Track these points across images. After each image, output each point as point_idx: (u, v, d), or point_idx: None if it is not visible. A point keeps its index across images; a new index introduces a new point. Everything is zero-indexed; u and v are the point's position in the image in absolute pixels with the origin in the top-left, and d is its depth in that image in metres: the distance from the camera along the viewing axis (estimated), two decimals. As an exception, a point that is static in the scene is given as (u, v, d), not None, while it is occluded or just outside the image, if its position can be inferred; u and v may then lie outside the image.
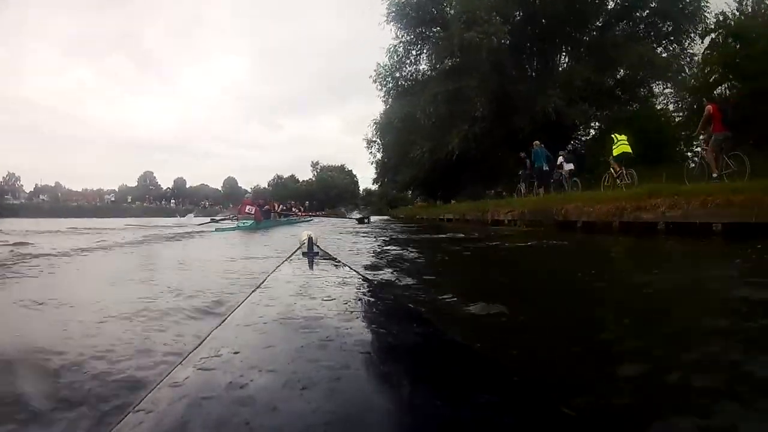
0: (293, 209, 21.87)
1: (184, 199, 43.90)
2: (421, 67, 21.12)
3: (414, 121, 18.59)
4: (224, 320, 0.68)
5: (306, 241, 1.82)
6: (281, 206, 18.71)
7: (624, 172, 9.40)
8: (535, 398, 0.44)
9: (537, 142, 12.26)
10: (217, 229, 9.10)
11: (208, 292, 1.99)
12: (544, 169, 12.11)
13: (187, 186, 65.73)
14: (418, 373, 0.48)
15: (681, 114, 16.59)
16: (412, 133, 19.70)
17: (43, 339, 1.25)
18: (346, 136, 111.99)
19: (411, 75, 21.51)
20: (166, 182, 65.87)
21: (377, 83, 21.73)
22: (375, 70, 21.44)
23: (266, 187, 65.67)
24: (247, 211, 10.65)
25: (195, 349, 0.53)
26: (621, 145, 9.59)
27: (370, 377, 0.44)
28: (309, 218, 21.13)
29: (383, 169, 32.39)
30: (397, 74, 21.53)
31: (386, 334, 0.65)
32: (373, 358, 0.50)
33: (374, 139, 32.04)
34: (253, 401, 0.37)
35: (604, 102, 17.45)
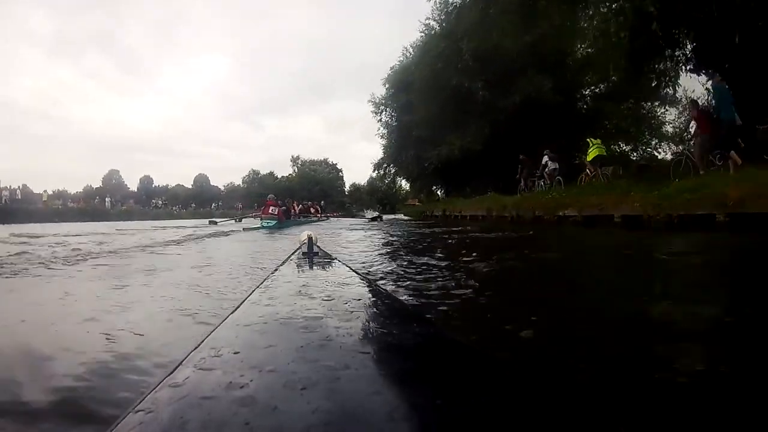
0: (310, 209, 22.78)
1: (124, 199, 41.46)
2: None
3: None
4: (224, 320, 0.68)
5: (306, 241, 1.83)
6: (300, 206, 19.85)
7: (599, 172, 10.43)
8: (537, 400, 0.44)
9: (719, 76, 7.57)
10: (244, 229, 10.24)
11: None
12: (738, 123, 7.00)
13: (155, 185, 62.39)
14: (418, 373, 0.48)
15: None
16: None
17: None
18: (328, 136, 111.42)
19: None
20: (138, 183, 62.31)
21: None
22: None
23: (240, 184, 61.83)
24: (270, 211, 11.91)
25: (195, 349, 0.53)
26: (596, 148, 10.59)
27: (370, 377, 0.44)
28: (326, 218, 22.00)
29: (398, 145, 21.62)
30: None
31: (386, 334, 0.65)
32: (373, 358, 0.50)
33: (382, 102, 22.33)
34: (253, 401, 0.37)
35: None
